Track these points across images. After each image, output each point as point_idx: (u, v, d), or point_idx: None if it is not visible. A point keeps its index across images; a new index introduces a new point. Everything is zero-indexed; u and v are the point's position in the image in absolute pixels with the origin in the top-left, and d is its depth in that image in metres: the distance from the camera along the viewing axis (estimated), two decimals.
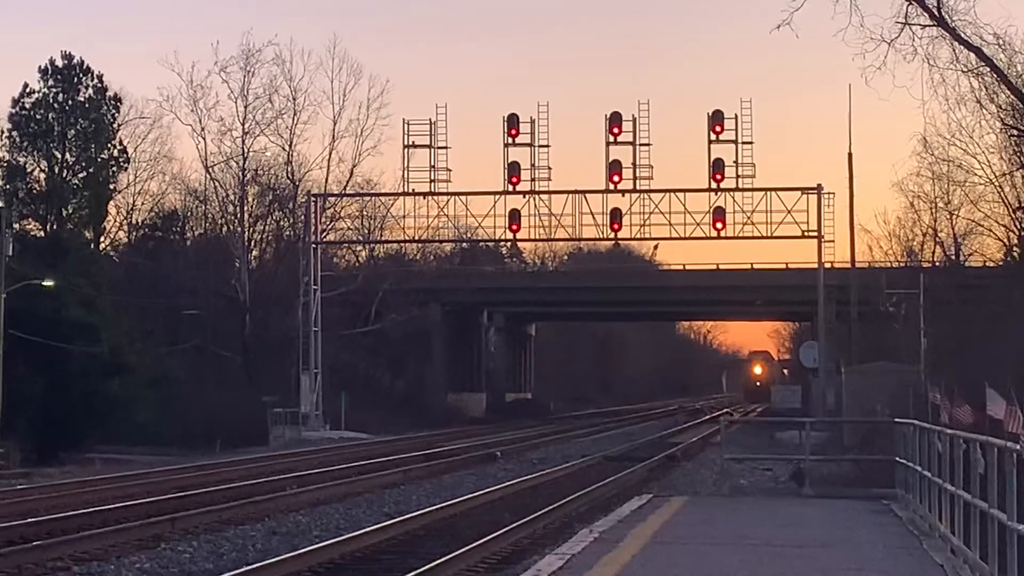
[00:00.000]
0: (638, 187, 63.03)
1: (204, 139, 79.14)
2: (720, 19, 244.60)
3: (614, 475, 35.39)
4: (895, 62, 34.95)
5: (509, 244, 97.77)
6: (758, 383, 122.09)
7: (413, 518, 24.83)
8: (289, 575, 18.34)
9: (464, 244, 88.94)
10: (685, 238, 63.74)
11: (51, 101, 71.90)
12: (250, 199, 79.72)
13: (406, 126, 64.62)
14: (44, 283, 52.97)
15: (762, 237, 63.54)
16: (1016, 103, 40.09)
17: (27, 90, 71.84)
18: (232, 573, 17.49)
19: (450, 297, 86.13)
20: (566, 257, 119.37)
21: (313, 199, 70.34)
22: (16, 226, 59.57)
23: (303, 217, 74.16)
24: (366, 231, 78.02)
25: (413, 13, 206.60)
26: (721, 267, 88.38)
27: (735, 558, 16.16)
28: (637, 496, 25.46)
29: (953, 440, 16.31)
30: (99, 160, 72.62)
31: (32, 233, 68.25)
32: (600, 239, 67.89)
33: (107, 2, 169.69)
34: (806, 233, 63.06)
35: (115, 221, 79.45)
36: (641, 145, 62.80)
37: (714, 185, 62.24)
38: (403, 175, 64.87)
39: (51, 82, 72.00)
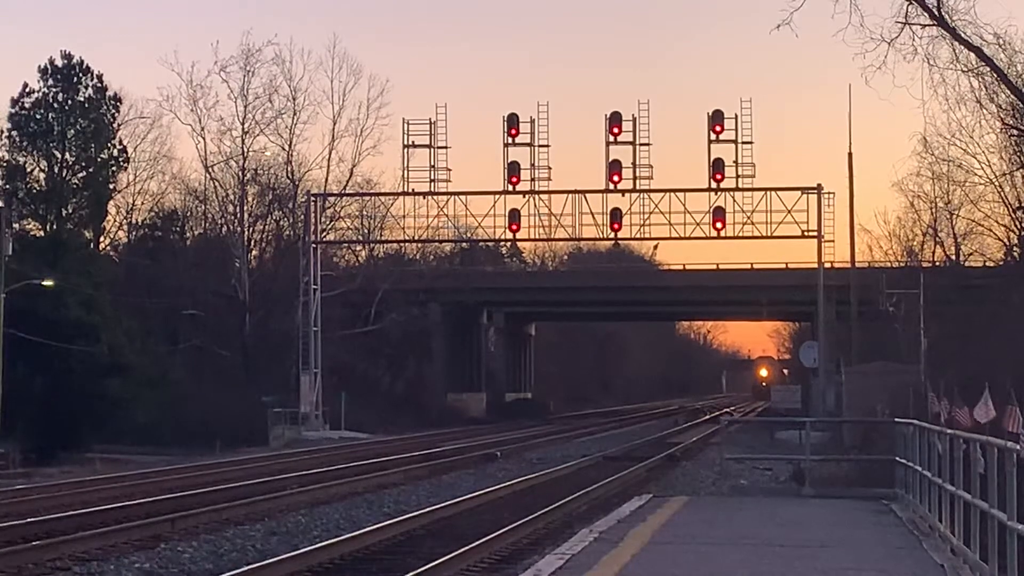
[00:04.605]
0: (638, 187, 63.02)
1: (204, 139, 79.25)
2: (720, 19, 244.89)
3: (614, 475, 35.39)
4: (895, 62, 35.07)
5: (509, 244, 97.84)
6: (764, 383, 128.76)
7: (413, 518, 24.82)
8: (289, 575, 18.34)
9: (464, 244, 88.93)
10: (685, 238, 63.75)
11: (51, 101, 71.83)
12: (250, 199, 79.76)
13: (406, 126, 64.69)
14: (44, 283, 52.94)
15: (762, 237, 63.54)
16: (1016, 103, 40.12)
17: (27, 90, 71.80)
18: (232, 573, 17.49)
19: (450, 297, 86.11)
20: (566, 257, 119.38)
21: (313, 199, 70.32)
22: (16, 226, 59.62)
23: (303, 217, 74.14)
24: (366, 231, 78.00)
25: (413, 13, 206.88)
26: (721, 267, 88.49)
27: (735, 558, 16.16)
28: (637, 496, 25.45)
29: (953, 440, 16.31)
30: (99, 160, 72.55)
31: (32, 233, 68.19)
32: (600, 239, 67.86)
33: (107, 2, 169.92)
34: (806, 233, 63.04)
35: (115, 221, 79.55)
36: (641, 145, 62.83)
37: (714, 185, 62.22)
38: (403, 175, 64.98)
39: (51, 82, 71.92)
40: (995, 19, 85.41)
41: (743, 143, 61.96)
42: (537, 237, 67.65)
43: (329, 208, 74.58)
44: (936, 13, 34.67)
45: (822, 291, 62.25)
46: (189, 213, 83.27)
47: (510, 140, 63.04)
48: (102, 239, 77.24)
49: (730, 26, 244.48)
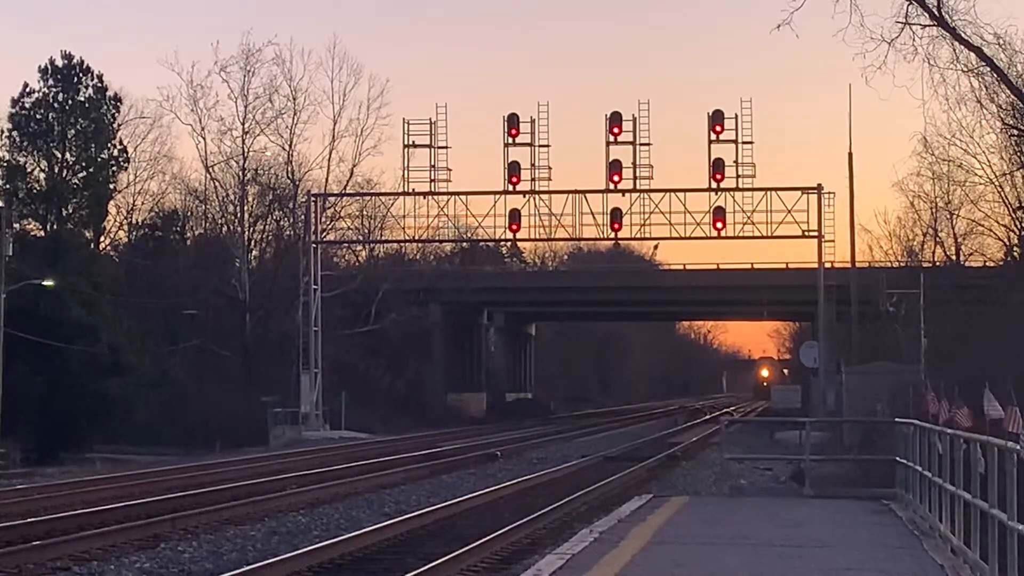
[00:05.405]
0: (638, 187, 63.00)
1: (204, 139, 79.35)
2: (720, 19, 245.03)
3: (614, 475, 35.38)
4: (895, 62, 35.08)
5: (509, 244, 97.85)
6: (764, 383, 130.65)
7: (413, 518, 24.82)
8: (289, 575, 18.34)
9: (464, 244, 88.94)
10: (685, 238, 63.72)
11: (51, 101, 71.86)
12: (250, 199, 79.79)
13: (406, 126, 64.67)
14: (44, 283, 52.95)
15: (762, 237, 63.53)
16: (1016, 103, 40.10)
17: (27, 90, 71.85)
18: (232, 573, 17.50)
19: (450, 297, 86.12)
20: (566, 257, 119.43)
21: (313, 199, 70.32)
22: (16, 226, 59.55)
23: (303, 217, 74.16)
24: (366, 231, 78.02)
25: (413, 13, 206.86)
26: (721, 267, 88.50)
27: (735, 558, 16.16)
28: (637, 496, 25.45)
29: (953, 440, 16.32)
30: (99, 160, 72.57)
31: (32, 233, 68.23)
32: (600, 239, 67.91)
33: (107, 2, 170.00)
34: (806, 233, 63.05)
35: (115, 221, 79.56)
36: (641, 145, 62.81)
37: (714, 185, 62.22)
38: (403, 175, 64.95)
39: (51, 82, 71.96)
40: (995, 19, 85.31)
41: (743, 143, 62.01)
42: (537, 237, 67.64)
43: (329, 208, 74.59)
44: (936, 13, 34.68)
45: (822, 291, 62.24)
46: (189, 213, 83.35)
47: (510, 140, 63.02)
48: (102, 239, 77.27)
49: (730, 26, 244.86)
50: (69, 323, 55.09)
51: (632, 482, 35.07)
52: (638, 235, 65.95)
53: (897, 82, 52.39)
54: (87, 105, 72.46)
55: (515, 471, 39.05)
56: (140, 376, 59.15)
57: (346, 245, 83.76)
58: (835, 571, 15.28)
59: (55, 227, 69.63)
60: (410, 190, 65.10)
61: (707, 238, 63.28)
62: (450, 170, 64.68)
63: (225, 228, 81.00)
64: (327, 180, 78.00)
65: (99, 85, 73.06)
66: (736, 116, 61.69)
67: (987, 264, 55.55)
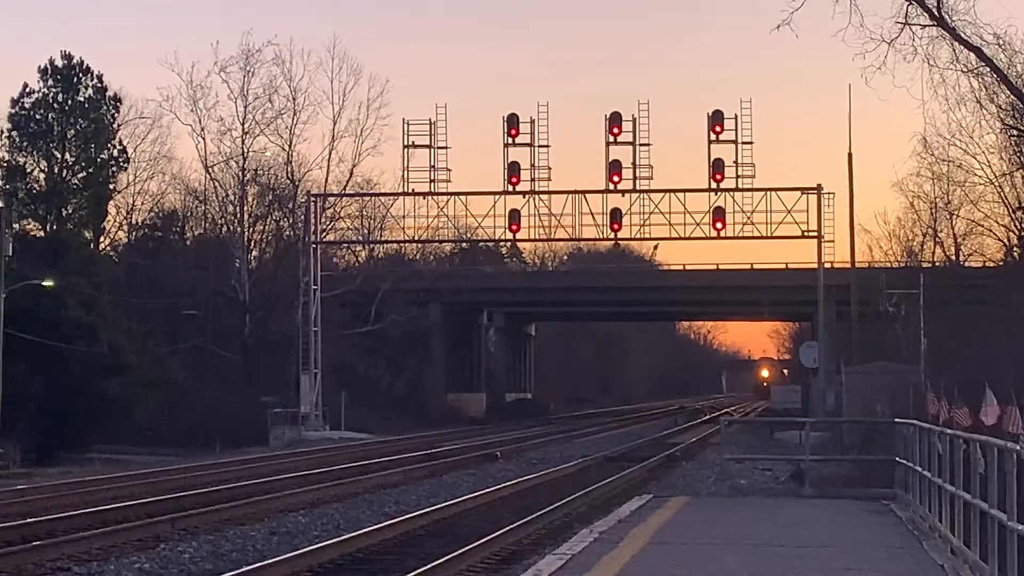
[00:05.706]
0: (638, 187, 63.02)
1: (204, 139, 79.34)
2: (720, 19, 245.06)
3: (614, 475, 35.39)
4: (895, 62, 35.00)
5: (509, 244, 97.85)
6: (765, 383, 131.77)
7: (413, 518, 24.83)
8: (289, 575, 18.34)
9: (464, 244, 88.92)
10: (685, 238, 63.73)
11: (51, 101, 71.81)
12: (250, 199, 79.76)
13: (406, 126, 64.69)
14: (44, 283, 52.91)
15: (762, 237, 63.54)
16: (1016, 103, 40.10)
17: (27, 90, 71.78)
18: (232, 573, 17.50)
19: (450, 297, 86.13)
20: (566, 257, 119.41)
21: (313, 199, 70.33)
22: (16, 226, 59.50)
23: (303, 217, 74.16)
24: (366, 231, 78.03)
25: (413, 13, 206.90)
26: (721, 267, 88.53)
27: (735, 558, 16.17)
28: (637, 496, 25.47)
29: (953, 440, 16.32)
30: (99, 160, 72.52)
31: (32, 233, 68.16)
32: (600, 239, 67.85)
33: (107, 2, 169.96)
34: (806, 233, 63.05)
35: (115, 221, 79.51)
36: (641, 145, 62.83)
37: (714, 185, 62.23)
38: (403, 175, 64.97)
39: (51, 82, 71.90)
40: (995, 19, 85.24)
41: (743, 143, 62.03)
42: (537, 237, 67.68)
43: (329, 208, 74.58)
44: (936, 13, 34.67)
45: (822, 291, 62.25)
46: (189, 213, 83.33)
47: (510, 140, 63.04)
48: (102, 239, 77.23)
49: (730, 26, 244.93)
50: (69, 323, 55.05)
51: (632, 482, 35.08)
52: (638, 235, 66.00)
53: (897, 82, 52.32)
54: (87, 105, 72.42)
55: (515, 471, 39.07)
56: (140, 376, 59.09)
57: (346, 245, 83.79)
58: (835, 571, 15.29)
59: (55, 227, 69.59)
60: (410, 190, 65.13)
61: (707, 238, 63.29)
62: (450, 170, 64.80)
63: (225, 228, 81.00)
64: (327, 180, 78.11)
65: (99, 85, 73.02)
66: (736, 116, 61.79)
67: (987, 264, 55.57)
